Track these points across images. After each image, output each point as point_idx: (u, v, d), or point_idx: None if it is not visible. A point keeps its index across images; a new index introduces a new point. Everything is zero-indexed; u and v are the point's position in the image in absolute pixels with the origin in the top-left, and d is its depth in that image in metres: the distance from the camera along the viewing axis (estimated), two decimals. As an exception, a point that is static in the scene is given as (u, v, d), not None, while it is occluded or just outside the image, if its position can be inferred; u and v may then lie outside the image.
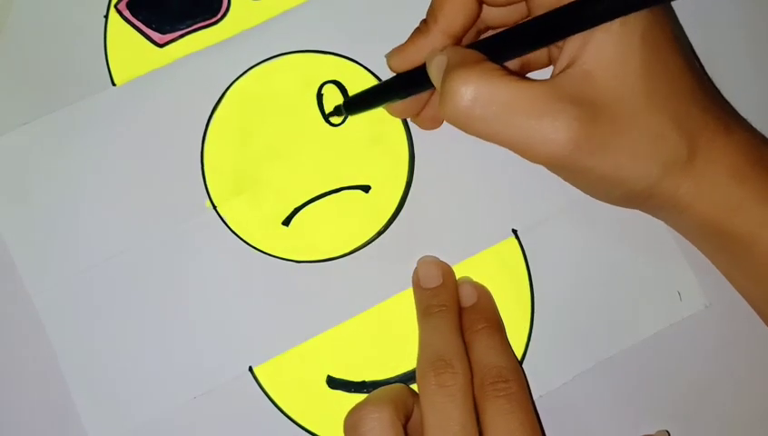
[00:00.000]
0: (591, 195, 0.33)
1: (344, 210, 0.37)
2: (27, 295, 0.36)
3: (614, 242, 0.37)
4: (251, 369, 0.36)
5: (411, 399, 0.33)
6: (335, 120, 0.37)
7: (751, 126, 0.34)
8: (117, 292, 0.36)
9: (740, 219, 0.31)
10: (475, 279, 0.37)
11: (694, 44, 0.38)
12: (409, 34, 0.34)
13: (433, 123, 0.37)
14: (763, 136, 0.34)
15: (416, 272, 0.36)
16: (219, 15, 0.38)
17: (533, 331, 0.36)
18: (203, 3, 0.38)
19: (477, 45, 0.31)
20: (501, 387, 0.32)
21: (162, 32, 0.38)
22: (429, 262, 0.36)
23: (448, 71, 0.29)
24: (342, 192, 0.37)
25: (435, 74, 0.31)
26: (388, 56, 0.34)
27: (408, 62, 0.34)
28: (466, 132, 0.30)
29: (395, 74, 0.35)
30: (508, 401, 0.32)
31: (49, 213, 0.36)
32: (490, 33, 0.35)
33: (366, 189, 0.37)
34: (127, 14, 0.38)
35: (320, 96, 0.37)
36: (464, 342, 0.34)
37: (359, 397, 0.36)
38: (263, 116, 0.37)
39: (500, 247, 0.37)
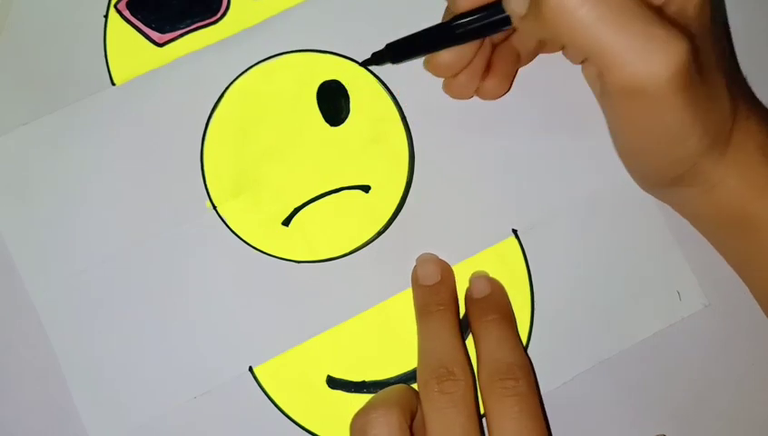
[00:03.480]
0: (628, 150, 0.32)
1: (344, 210, 0.37)
2: (27, 295, 0.36)
3: (614, 242, 0.37)
4: (251, 369, 0.36)
5: (415, 400, 0.33)
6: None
7: None
8: (117, 292, 0.36)
9: (765, 202, 0.31)
10: (475, 279, 0.37)
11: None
12: (410, 32, 0.34)
13: (463, 91, 0.35)
14: None
15: (414, 269, 0.36)
16: (218, 15, 0.38)
17: (533, 331, 0.36)
18: (203, 2, 0.38)
19: None
20: (510, 385, 0.32)
21: (162, 31, 0.38)
22: (428, 260, 0.36)
23: None
24: (342, 192, 0.37)
25: None
26: None
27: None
28: (559, 37, 0.29)
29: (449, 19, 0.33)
30: (517, 402, 0.31)
31: (49, 212, 0.36)
32: None
33: (366, 189, 0.37)
34: (127, 13, 0.38)
35: (321, 97, 0.37)
36: (463, 343, 0.34)
37: (359, 397, 0.36)
38: (263, 116, 0.37)
39: (500, 247, 0.37)
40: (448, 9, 0.34)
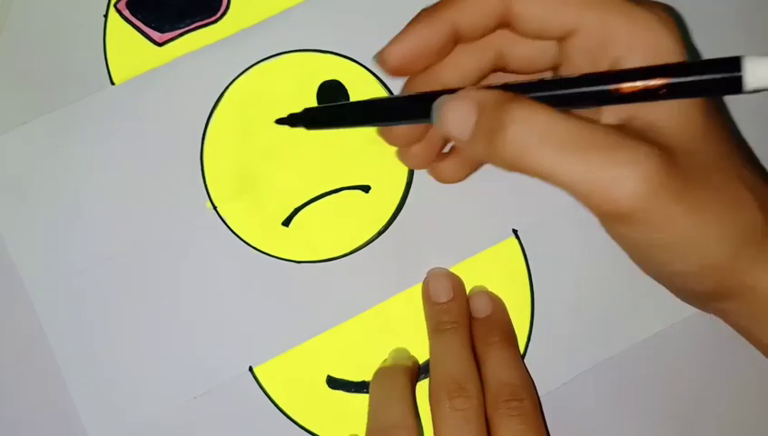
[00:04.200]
0: (653, 270, 0.30)
1: (344, 210, 0.37)
2: (27, 295, 0.36)
3: (614, 242, 0.37)
4: (251, 369, 0.36)
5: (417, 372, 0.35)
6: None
7: None
8: (117, 293, 0.36)
9: None
10: (475, 279, 0.37)
11: (693, 45, 0.38)
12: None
13: (416, 163, 0.35)
14: None
15: (425, 285, 0.36)
16: (218, 14, 0.38)
17: (533, 331, 0.36)
18: (203, 2, 0.38)
19: (510, 88, 0.28)
20: (515, 405, 0.32)
21: (162, 31, 0.38)
22: (439, 275, 0.36)
23: (499, 104, 0.27)
24: (342, 192, 0.37)
25: (464, 111, 0.28)
26: (385, 54, 0.31)
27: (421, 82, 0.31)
28: (517, 170, 0.27)
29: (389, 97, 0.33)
30: (522, 420, 0.32)
31: (49, 212, 0.36)
32: (502, 78, 0.32)
33: (366, 189, 0.37)
34: (127, 13, 0.38)
35: (321, 97, 0.37)
36: (476, 357, 0.34)
37: (359, 397, 0.36)
38: (263, 116, 0.37)
39: (500, 247, 0.37)
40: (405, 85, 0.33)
